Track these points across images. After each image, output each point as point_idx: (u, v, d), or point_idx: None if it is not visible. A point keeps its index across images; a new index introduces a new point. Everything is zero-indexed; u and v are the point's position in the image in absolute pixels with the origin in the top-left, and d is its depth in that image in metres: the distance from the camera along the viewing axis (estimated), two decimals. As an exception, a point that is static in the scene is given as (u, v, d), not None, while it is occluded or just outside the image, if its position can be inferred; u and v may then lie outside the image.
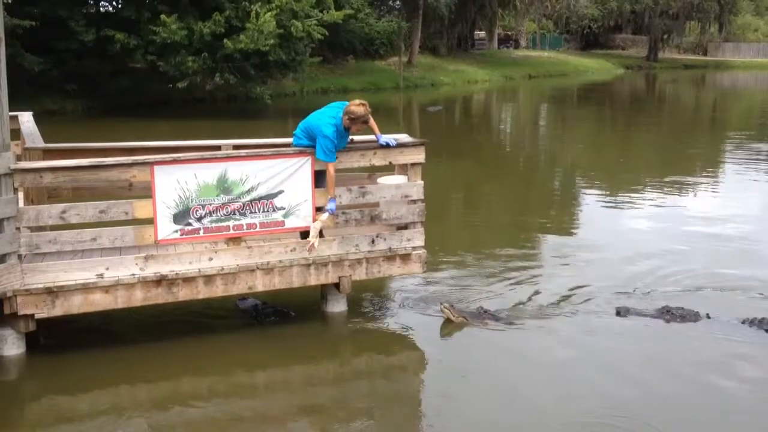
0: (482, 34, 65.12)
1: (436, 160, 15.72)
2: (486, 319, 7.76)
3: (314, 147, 7.37)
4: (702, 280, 9.29)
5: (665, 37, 72.51)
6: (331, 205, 7.35)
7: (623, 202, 14.37)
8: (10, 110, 6.69)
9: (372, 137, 7.81)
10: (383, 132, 7.83)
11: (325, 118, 7.35)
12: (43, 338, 7.01)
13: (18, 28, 24.16)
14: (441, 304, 7.88)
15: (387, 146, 7.66)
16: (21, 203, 6.92)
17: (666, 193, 15.12)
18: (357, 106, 7.34)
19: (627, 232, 11.90)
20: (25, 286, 6.67)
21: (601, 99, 42.33)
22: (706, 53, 78.09)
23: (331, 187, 7.33)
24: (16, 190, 6.64)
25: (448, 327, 7.69)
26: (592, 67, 61.33)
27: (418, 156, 7.80)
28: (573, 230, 12.40)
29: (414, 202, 7.87)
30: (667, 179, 16.59)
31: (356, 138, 7.75)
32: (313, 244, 7.39)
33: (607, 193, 15.54)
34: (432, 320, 7.89)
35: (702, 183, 16.64)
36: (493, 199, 15.30)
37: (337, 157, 7.43)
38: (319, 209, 7.52)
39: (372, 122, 7.62)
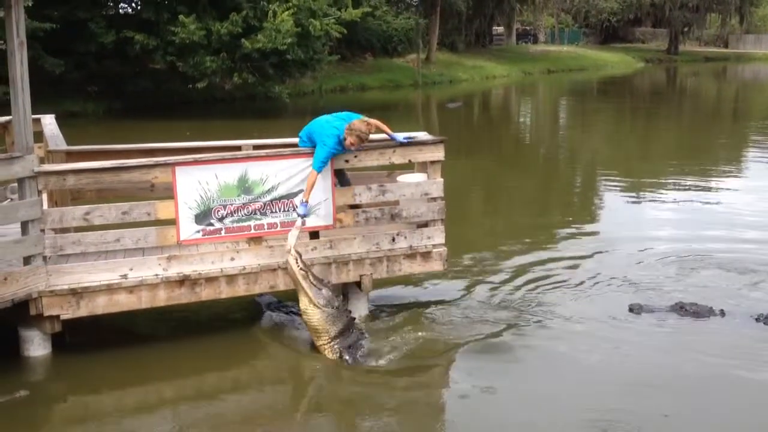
0: (500, 29, 64.85)
1: (456, 157, 15.73)
2: (325, 287, 7.06)
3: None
4: (720, 274, 9.24)
5: (686, 29, 71.85)
6: (301, 210, 7.23)
7: (644, 196, 14.32)
8: (33, 113, 6.76)
9: (382, 135, 7.81)
10: (404, 130, 7.85)
11: (329, 127, 7.31)
12: (68, 338, 7.08)
13: (39, 31, 24.35)
14: (294, 250, 7.06)
15: (406, 142, 7.66)
16: (45, 205, 7.00)
17: (688, 186, 15.04)
18: (361, 122, 7.27)
19: (646, 227, 11.86)
20: (50, 288, 6.75)
21: (621, 92, 42.10)
22: (727, 45, 77.33)
23: (308, 192, 7.22)
24: (40, 193, 6.72)
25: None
26: (612, 61, 60.87)
27: (438, 153, 7.80)
28: (592, 225, 12.35)
29: (434, 199, 7.88)
30: (689, 172, 16.50)
31: (375, 137, 7.76)
32: (289, 250, 7.05)
33: (628, 186, 15.46)
34: (454, 318, 7.90)
35: (725, 175, 16.52)
36: (513, 195, 15.26)
37: (356, 156, 7.49)
38: (340, 208, 7.55)
39: (382, 125, 7.62)
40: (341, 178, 7.75)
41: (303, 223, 7.31)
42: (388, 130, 7.71)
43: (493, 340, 7.38)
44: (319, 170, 7.22)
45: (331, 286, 7.18)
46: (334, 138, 7.23)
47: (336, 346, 6.91)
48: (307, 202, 7.24)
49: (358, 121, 7.27)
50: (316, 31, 27.19)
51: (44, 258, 6.75)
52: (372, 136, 7.64)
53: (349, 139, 7.21)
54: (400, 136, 7.72)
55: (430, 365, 7.00)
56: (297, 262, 6.97)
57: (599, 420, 5.89)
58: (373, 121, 7.54)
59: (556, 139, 24.78)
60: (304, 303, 6.96)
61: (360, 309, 7.98)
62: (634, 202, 13.98)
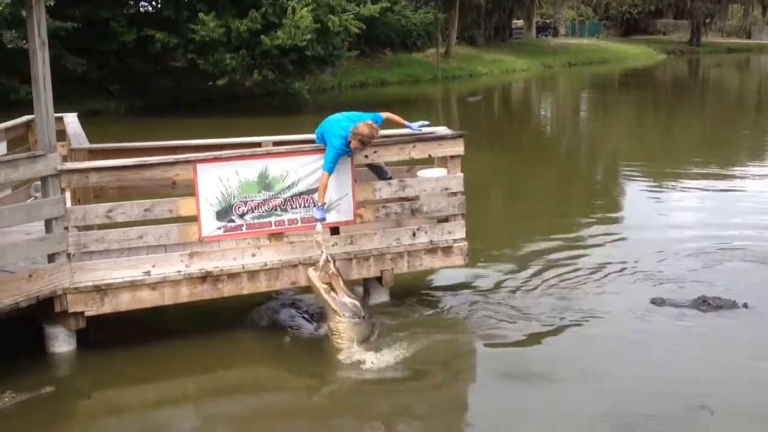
0: (520, 22, 64.57)
1: (476, 151, 15.68)
2: (352, 296, 7.07)
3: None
4: (744, 266, 9.17)
5: (708, 21, 71.13)
6: (318, 214, 7.23)
7: (667, 188, 14.25)
8: (55, 111, 6.82)
9: (406, 130, 7.84)
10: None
11: (337, 128, 7.28)
12: (93, 334, 7.15)
13: (60, 31, 24.58)
14: (327, 255, 7.06)
15: (426, 135, 7.68)
16: (68, 203, 7.06)
17: (712, 178, 14.92)
18: (365, 125, 7.19)
19: (670, 218, 11.83)
20: (74, 285, 6.82)
21: (643, 85, 41.76)
22: (750, 36, 76.43)
23: (322, 195, 7.22)
24: (63, 191, 6.79)
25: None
26: (633, 53, 60.37)
27: (457, 148, 7.80)
28: (614, 218, 12.29)
29: (454, 194, 7.87)
30: (712, 163, 16.37)
31: (393, 132, 7.76)
32: (322, 255, 7.09)
33: (651, 178, 15.33)
34: (473, 314, 7.89)
35: (749, 166, 16.39)
36: (534, 189, 15.21)
37: (375, 151, 7.50)
38: (360, 204, 7.55)
39: (393, 116, 7.69)
40: (379, 173, 7.76)
41: (327, 217, 7.33)
42: (403, 120, 7.75)
43: (513, 338, 7.31)
44: (330, 171, 7.20)
45: (358, 296, 7.20)
46: (341, 139, 7.20)
47: (357, 353, 6.87)
48: (323, 205, 7.24)
49: (362, 124, 7.19)
50: (335, 27, 27.23)
51: (68, 255, 6.81)
52: (389, 132, 7.67)
53: (353, 143, 7.18)
54: (415, 124, 7.76)
55: (448, 366, 6.95)
56: (325, 268, 6.98)
57: (625, 416, 5.84)
58: (386, 115, 7.60)
59: (577, 133, 24.66)
60: (329, 313, 6.99)
61: (380, 302, 8.00)
62: (657, 194, 13.88)
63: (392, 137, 7.78)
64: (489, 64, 47.64)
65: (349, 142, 7.19)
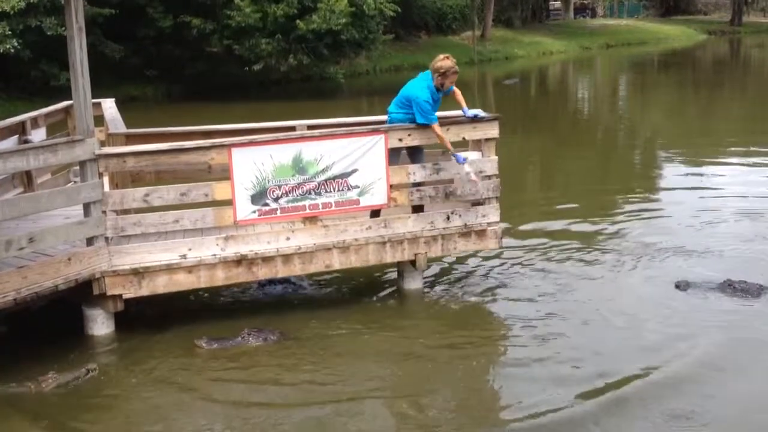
0: (557, 4, 63.86)
1: (512, 135, 15.60)
2: (250, 339, 6.91)
3: (410, 119, 7.55)
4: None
5: (749, 0, 69.64)
6: (459, 159, 7.52)
7: (707, 169, 14.04)
8: (93, 97, 6.90)
9: (457, 112, 7.81)
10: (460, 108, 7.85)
11: (417, 84, 7.54)
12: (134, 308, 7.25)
13: (98, 17, 24.86)
14: (196, 342, 6.92)
15: (475, 118, 7.68)
16: (106, 187, 7.16)
17: (754, 156, 14.68)
18: (442, 60, 7.55)
19: (706, 199, 11.66)
20: (113, 268, 6.91)
21: (682, 65, 41.07)
22: (794, 15, 74.74)
23: (447, 143, 7.52)
24: (101, 175, 6.87)
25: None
26: (673, 34, 59.37)
27: (492, 131, 7.75)
28: (650, 199, 12.13)
29: (489, 177, 7.83)
30: (754, 142, 16.09)
31: (439, 114, 7.72)
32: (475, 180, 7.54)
33: (691, 160, 15.13)
34: (508, 297, 7.89)
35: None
36: (570, 172, 15.04)
37: (410, 134, 7.50)
38: (393, 186, 7.55)
39: (459, 94, 7.76)
40: (417, 157, 7.80)
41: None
42: (463, 102, 7.79)
43: (546, 315, 7.32)
44: (434, 120, 7.44)
45: (251, 335, 6.99)
46: (426, 90, 7.47)
47: None
48: (453, 152, 7.54)
49: (438, 61, 7.56)
50: (370, 10, 27.20)
51: (106, 239, 6.91)
52: (444, 113, 7.76)
53: (447, 82, 7.54)
54: (470, 112, 7.72)
55: (481, 343, 6.97)
56: (204, 345, 6.85)
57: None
58: (457, 91, 7.79)
59: (615, 114, 24.35)
60: None
61: (414, 286, 8.04)
62: (695, 175, 13.68)
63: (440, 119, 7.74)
64: (526, 46, 47.22)
65: (439, 88, 7.52)
